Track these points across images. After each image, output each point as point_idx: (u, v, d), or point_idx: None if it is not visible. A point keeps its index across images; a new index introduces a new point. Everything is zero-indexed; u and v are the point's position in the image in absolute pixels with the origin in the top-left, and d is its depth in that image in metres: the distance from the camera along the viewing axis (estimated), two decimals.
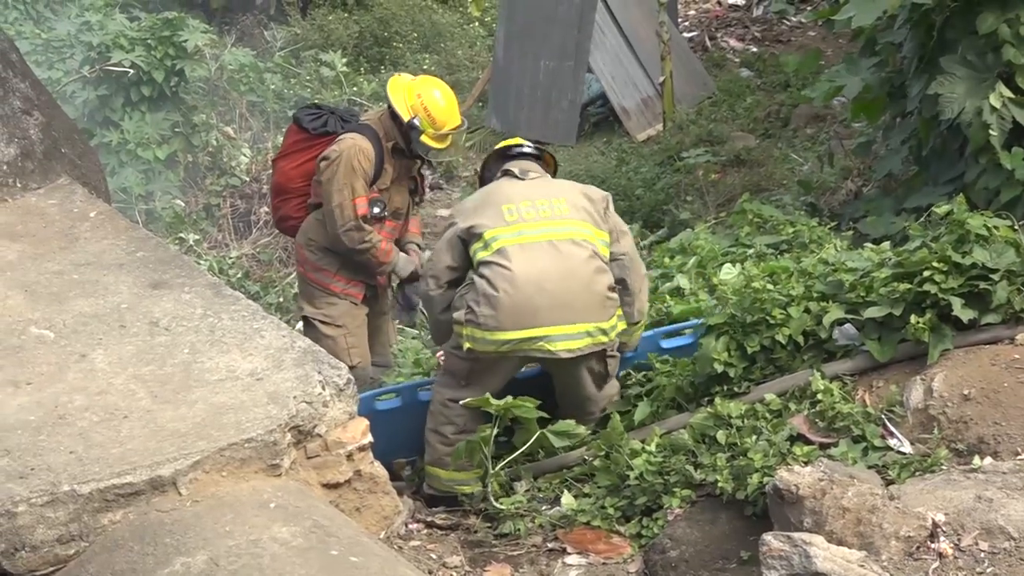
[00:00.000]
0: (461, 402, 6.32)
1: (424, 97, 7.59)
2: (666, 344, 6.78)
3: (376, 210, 7.55)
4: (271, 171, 8.68)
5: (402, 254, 7.84)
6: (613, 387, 6.63)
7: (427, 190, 8.27)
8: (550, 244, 6.37)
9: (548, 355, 6.28)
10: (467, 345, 6.24)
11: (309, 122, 7.84)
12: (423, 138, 7.60)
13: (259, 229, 13.96)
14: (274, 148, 14.57)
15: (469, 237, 6.44)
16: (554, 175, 7.15)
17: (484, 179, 7.10)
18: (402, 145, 7.67)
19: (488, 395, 6.12)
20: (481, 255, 6.33)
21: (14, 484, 4.19)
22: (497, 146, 7.20)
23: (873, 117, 10.03)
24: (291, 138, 8.03)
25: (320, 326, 7.75)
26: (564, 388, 6.54)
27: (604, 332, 6.35)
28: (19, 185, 6.58)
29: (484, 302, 6.19)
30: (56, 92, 13.74)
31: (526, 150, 7.05)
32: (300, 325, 8.02)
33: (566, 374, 6.46)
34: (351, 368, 7.63)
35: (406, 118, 7.55)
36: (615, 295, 6.47)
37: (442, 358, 6.86)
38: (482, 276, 6.28)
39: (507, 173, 6.84)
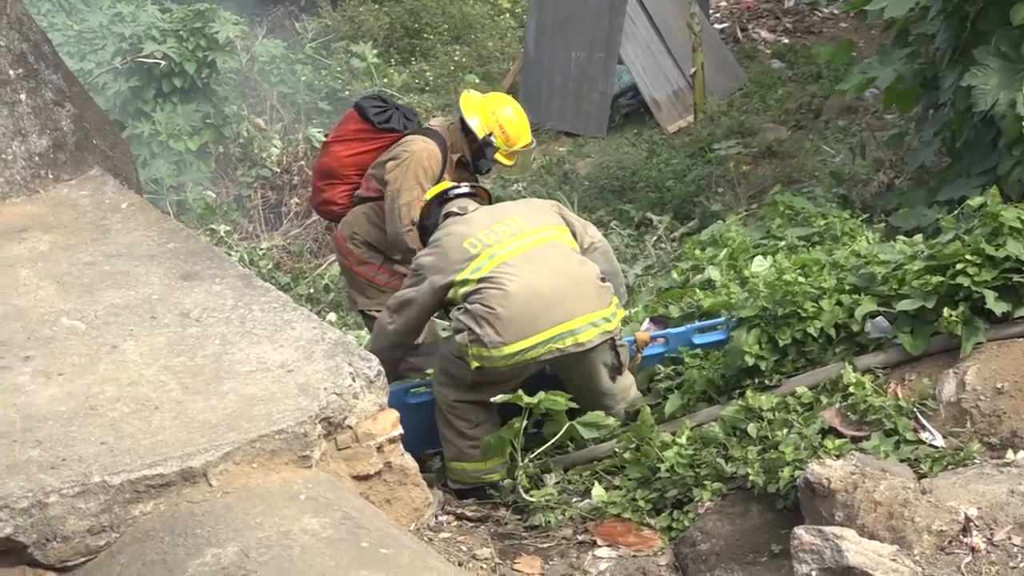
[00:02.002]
0: (492, 399, 6.31)
1: (499, 114, 7.77)
2: (699, 340, 6.75)
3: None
4: (320, 151, 8.69)
5: None
6: (628, 378, 6.61)
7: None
8: (525, 256, 6.41)
9: (559, 354, 6.27)
10: (475, 364, 6.24)
11: (374, 114, 7.89)
12: (497, 155, 7.77)
13: (290, 220, 14.01)
14: (304, 139, 14.61)
15: (443, 287, 6.47)
16: (490, 203, 7.21)
17: (425, 228, 7.07)
18: (467, 159, 7.81)
19: (520, 391, 6.13)
20: (463, 291, 6.37)
21: (46, 475, 4.21)
22: (431, 193, 7.18)
23: (905, 108, 9.98)
24: (351, 125, 8.06)
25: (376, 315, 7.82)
26: (581, 387, 6.52)
27: (607, 320, 6.37)
28: (51, 176, 6.60)
29: (484, 322, 6.19)
30: (88, 83, 13.81)
31: (461, 191, 7.10)
32: (331, 316, 8.05)
33: (580, 372, 6.44)
34: (414, 348, 7.73)
35: (481, 134, 7.68)
36: (607, 283, 6.51)
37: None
38: (473, 303, 6.29)
39: (449, 215, 6.88)
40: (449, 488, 6.58)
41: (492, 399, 6.30)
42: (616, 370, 6.52)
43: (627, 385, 6.60)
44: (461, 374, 6.40)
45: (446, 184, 7.26)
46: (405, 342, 6.87)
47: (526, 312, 6.21)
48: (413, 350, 7.26)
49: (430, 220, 7.04)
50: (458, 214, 6.84)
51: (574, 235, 6.71)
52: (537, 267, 6.35)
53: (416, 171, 7.56)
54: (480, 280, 6.32)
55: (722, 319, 6.69)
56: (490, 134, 7.67)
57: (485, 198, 7.18)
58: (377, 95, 8.74)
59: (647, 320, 7.18)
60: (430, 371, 7.53)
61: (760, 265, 7.52)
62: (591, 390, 6.49)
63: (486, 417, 6.41)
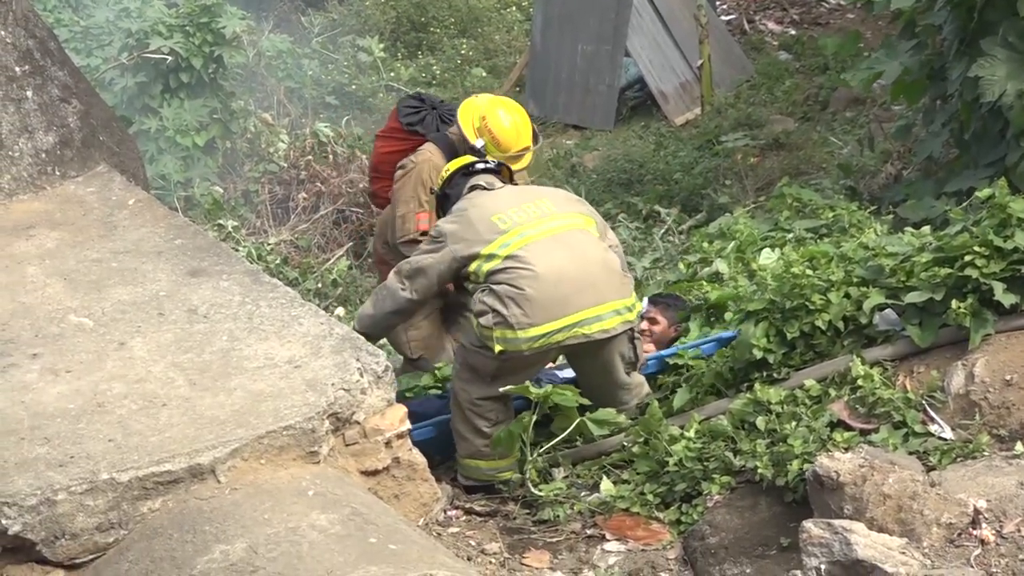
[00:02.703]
0: (501, 390, 6.30)
1: (489, 119, 7.61)
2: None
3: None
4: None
5: None
6: (638, 375, 6.62)
7: None
8: (555, 238, 6.38)
9: (584, 339, 6.26)
10: (499, 348, 6.20)
11: (404, 115, 7.93)
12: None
13: (297, 215, 14.00)
14: (311, 134, 14.62)
15: (466, 259, 6.41)
16: (511, 180, 7.20)
17: (448, 197, 7.00)
18: None
19: (528, 383, 6.12)
20: (488, 267, 6.30)
21: (54, 472, 4.21)
22: (455, 164, 7.15)
23: (913, 100, 9.98)
24: (390, 122, 8.17)
25: None
26: (597, 378, 6.51)
27: (629, 310, 6.37)
28: (58, 173, 6.61)
29: (511, 303, 6.14)
30: (94, 80, 13.82)
31: (487, 165, 7.07)
32: (339, 311, 8.07)
33: (599, 362, 6.44)
34: (413, 360, 7.73)
35: (472, 141, 7.57)
36: (628, 274, 6.53)
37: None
38: (499, 282, 6.25)
39: (475, 187, 6.85)
40: (458, 483, 6.58)
41: (500, 389, 6.29)
42: (632, 364, 6.53)
43: (640, 381, 6.61)
44: (483, 365, 6.35)
45: (466, 158, 7.25)
46: (408, 310, 6.78)
47: (556, 294, 6.18)
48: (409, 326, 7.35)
49: (452, 190, 7.00)
50: (485, 188, 6.82)
51: (597, 226, 6.67)
52: (566, 250, 6.33)
53: (416, 184, 7.62)
54: (507, 258, 6.27)
55: (710, 339, 6.71)
56: (479, 140, 7.55)
57: (507, 176, 7.16)
58: (418, 95, 8.59)
59: (646, 300, 7.18)
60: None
61: (768, 258, 7.53)
62: (606, 382, 6.49)
63: (506, 416, 6.37)
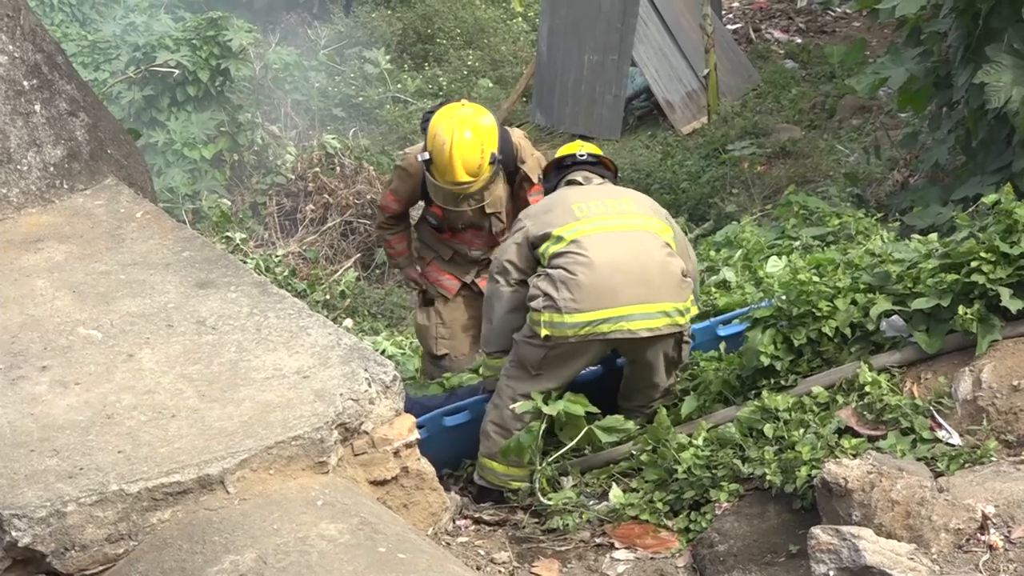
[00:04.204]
0: (512, 406, 6.32)
1: (436, 138, 7.39)
2: (723, 332, 6.78)
3: (432, 221, 7.65)
4: None
5: (409, 269, 8.12)
6: (672, 378, 6.63)
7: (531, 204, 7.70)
8: (622, 233, 6.42)
9: (628, 335, 6.27)
10: (545, 332, 6.22)
11: (423, 124, 7.89)
12: (430, 176, 7.47)
13: (305, 227, 14.03)
14: (319, 146, 14.68)
15: (539, 239, 6.46)
16: (615, 175, 7.15)
17: (545, 191, 7.13)
18: None
19: (539, 397, 6.14)
20: (553, 249, 6.34)
21: (63, 484, 4.22)
22: (556, 155, 7.17)
23: (919, 107, 9.98)
24: None
25: (419, 312, 8.08)
26: (637, 373, 6.54)
27: (681, 313, 6.36)
28: (66, 186, 6.62)
29: (563, 287, 6.19)
30: (102, 93, 13.87)
31: (583, 159, 7.04)
32: (347, 323, 8.11)
33: (642, 359, 6.46)
34: (438, 359, 7.77)
35: (424, 150, 7.44)
36: (688, 279, 6.49)
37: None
38: (556, 266, 6.29)
39: (571, 183, 6.89)
40: (468, 491, 6.59)
41: (511, 406, 6.32)
42: (675, 365, 6.56)
43: (672, 384, 6.63)
44: (531, 355, 6.36)
45: (574, 146, 7.24)
46: (518, 301, 6.61)
47: (606, 284, 6.21)
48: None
49: (548, 183, 7.10)
50: (579, 183, 6.87)
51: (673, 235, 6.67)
52: (628, 245, 6.36)
53: (392, 177, 7.88)
54: (571, 242, 6.31)
55: (746, 310, 6.71)
56: (427, 152, 7.41)
57: (610, 166, 7.15)
58: (445, 101, 8.49)
59: None
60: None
61: (775, 265, 7.53)
62: (645, 380, 6.53)
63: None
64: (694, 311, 6.53)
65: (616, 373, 6.69)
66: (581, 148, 7.14)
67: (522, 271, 6.57)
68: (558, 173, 7.01)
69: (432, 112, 7.71)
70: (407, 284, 8.20)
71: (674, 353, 6.49)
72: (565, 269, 6.24)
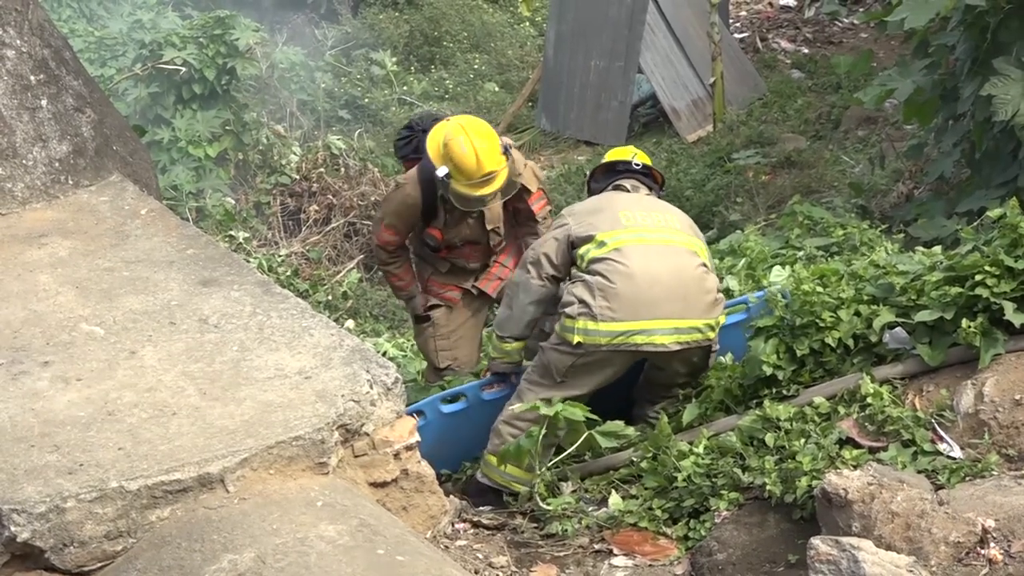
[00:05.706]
0: (511, 407, 6.32)
1: (450, 146, 7.25)
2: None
3: (430, 243, 7.63)
4: None
5: (418, 296, 7.95)
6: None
7: (535, 212, 7.79)
8: (664, 247, 6.45)
9: (661, 349, 6.29)
10: (578, 339, 6.23)
11: (399, 150, 7.93)
12: (456, 187, 7.27)
13: (308, 227, 14.03)
14: (323, 146, 14.69)
15: (580, 239, 6.47)
16: (662, 187, 7.17)
17: (592, 190, 7.14)
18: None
19: (539, 400, 6.14)
20: (594, 253, 6.36)
21: (63, 480, 4.21)
22: (607, 158, 7.18)
23: (925, 119, 9.98)
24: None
25: (415, 329, 8.11)
26: (658, 377, 6.58)
27: (712, 328, 6.42)
28: (71, 182, 6.62)
29: (600, 295, 6.20)
30: (108, 90, 13.88)
31: (634, 167, 7.07)
32: (349, 323, 8.10)
33: (670, 368, 6.51)
34: (440, 370, 7.76)
35: (437, 168, 7.26)
36: (721, 296, 6.55)
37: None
38: (595, 273, 6.30)
39: (619, 187, 6.93)
40: (467, 495, 6.59)
41: (511, 407, 6.32)
42: (700, 371, 6.59)
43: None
44: (558, 362, 6.37)
45: (627, 151, 7.25)
46: (545, 296, 6.66)
47: (646, 296, 6.24)
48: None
49: (597, 184, 7.12)
50: (627, 190, 6.90)
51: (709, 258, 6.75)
52: (668, 259, 6.39)
53: (386, 213, 7.71)
54: (613, 249, 6.34)
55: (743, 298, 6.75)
56: (443, 167, 7.23)
57: (658, 179, 7.20)
58: (405, 126, 8.25)
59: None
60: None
61: (778, 275, 7.52)
62: (665, 384, 6.62)
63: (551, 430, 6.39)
64: (722, 319, 6.56)
65: (621, 376, 6.69)
66: (635, 156, 7.16)
67: (556, 267, 6.60)
68: (608, 177, 7.04)
69: (406, 139, 7.82)
70: (410, 310, 8.10)
71: (701, 361, 6.54)
72: (604, 276, 6.26)
